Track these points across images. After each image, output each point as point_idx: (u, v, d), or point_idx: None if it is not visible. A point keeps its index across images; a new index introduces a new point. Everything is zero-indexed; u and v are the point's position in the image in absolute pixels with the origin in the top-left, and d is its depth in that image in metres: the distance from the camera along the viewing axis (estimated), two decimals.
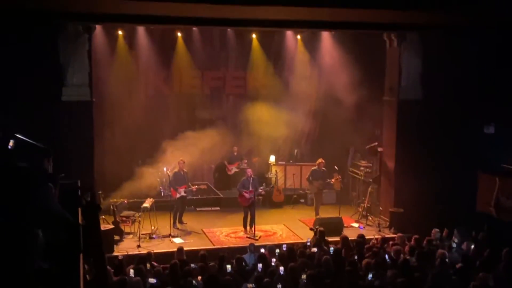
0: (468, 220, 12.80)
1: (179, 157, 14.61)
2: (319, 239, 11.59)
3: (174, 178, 14.29)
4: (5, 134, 7.12)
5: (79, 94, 13.23)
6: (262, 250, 11.13)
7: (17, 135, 8.48)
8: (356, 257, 10.41)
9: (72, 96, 13.15)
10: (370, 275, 9.20)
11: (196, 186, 14.68)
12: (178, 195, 14.21)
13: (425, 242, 11.32)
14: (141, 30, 15.81)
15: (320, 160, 15.43)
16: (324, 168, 15.40)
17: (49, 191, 6.51)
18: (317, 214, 15.25)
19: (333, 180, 15.64)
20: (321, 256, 10.09)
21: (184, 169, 14.37)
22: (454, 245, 11.23)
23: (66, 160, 11.40)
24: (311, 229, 13.10)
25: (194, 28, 16.16)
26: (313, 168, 15.53)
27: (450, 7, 10.73)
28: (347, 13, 11.36)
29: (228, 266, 9.85)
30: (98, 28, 14.26)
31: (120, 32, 15.48)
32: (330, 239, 12.61)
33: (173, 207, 14.25)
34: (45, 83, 12.63)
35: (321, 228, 12.39)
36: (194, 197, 15.81)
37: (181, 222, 14.45)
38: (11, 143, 6.43)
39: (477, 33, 13.28)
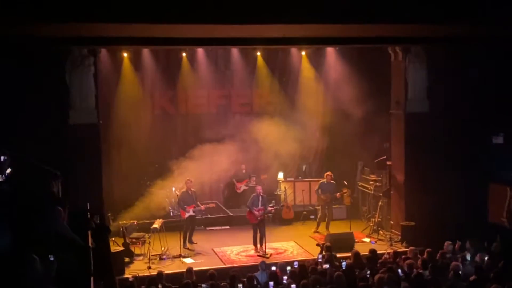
0: (481, 231, 12.67)
1: (187, 177, 14.58)
2: (330, 255, 11.49)
3: (182, 198, 14.26)
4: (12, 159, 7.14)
5: (86, 117, 13.27)
6: (273, 268, 11.03)
7: (29, 159, 8.50)
8: (368, 272, 10.30)
9: (79, 119, 13.19)
10: None
11: (205, 206, 14.62)
12: (187, 215, 14.16)
13: (438, 255, 11.19)
14: (146, 51, 15.90)
15: (327, 172, 15.63)
16: (332, 181, 15.49)
17: (58, 215, 6.51)
18: (318, 226, 15.53)
19: (338, 194, 15.56)
20: (333, 272, 9.98)
21: (192, 188, 14.33)
22: (468, 257, 11.09)
23: (75, 183, 11.44)
24: (317, 244, 13.01)
25: (198, 48, 16.23)
26: (321, 181, 15.63)
27: (453, 19, 10.71)
28: (351, 29, 11.36)
29: (240, 285, 9.76)
30: (103, 50, 14.34)
31: (125, 54, 15.56)
32: (341, 254, 12.54)
33: (182, 227, 14.18)
34: (52, 107, 12.73)
35: (328, 244, 12.32)
36: (204, 216, 15.75)
37: (191, 242, 14.37)
38: (8, 170, 6.44)
39: (482, 42, 13.24)
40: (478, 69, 13.82)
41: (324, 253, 11.80)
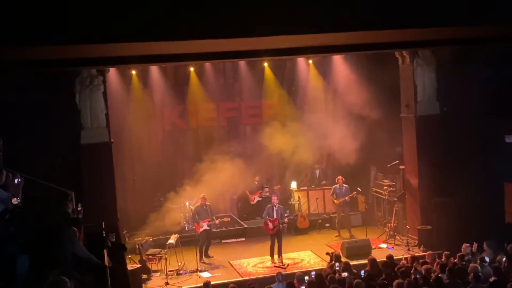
0: (498, 232, 12.55)
1: (200, 191, 14.62)
2: (347, 263, 11.43)
3: (196, 212, 14.28)
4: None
5: (98, 136, 13.40)
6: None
7: (40, 180, 8.57)
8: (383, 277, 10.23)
9: (91, 139, 13.32)
10: None
11: (219, 220, 14.60)
12: (201, 229, 14.15)
13: (457, 258, 11.10)
14: (154, 67, 15.97)
15: (338, 176, 15.85)
16: (345, 185, 15.63)
17: (73, 236, 6.55)
18: (338, 231, 15.80)
19: (348, 197, 15.61)
20: (352, 281, 9.92)
21: (207, 203, 14.33)
22: (487, 259, 10.98)
23: (89, 202, 11.49)
24: (327, 253, 12.98)
25: (206, 62, 16.29)
26: (334, 186, 15.83)
27: (460, 21, 10.65)
28: (357, 36, 11.33)
29: None
30: (112, 69, 14.45)
31: (133, 72, 15.66)
32: (359, 262, 12.51)
33: (198, 242, 14.18)
34: (64, 128, 12.83)
35: (337, 252, 12.26)
36: (219, 230, 15.74)
37: (207, 256, 14.35)
38: (15, 200, 6.51)
39: (492, 42, 13.14)
40: (487, 68, 13.73)
41: (333, 262, 11.74)
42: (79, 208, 9.20)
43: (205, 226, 14.14)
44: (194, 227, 14.50)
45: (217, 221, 14.41)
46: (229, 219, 15.43)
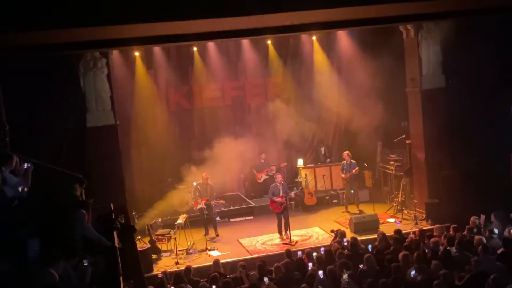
0: (506, 204, 12.55)
1: (207, 170, 14.70)
2: (355, 239, 11.47)
3: (199, 189, 14.42)
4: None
5: (103, 119, 13.42)
6: (299, 254, 11.11)
7: (48, 164, 8.60)
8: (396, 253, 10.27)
9: (97, 122, 13.35)
10: (412, 271, 9.05)
11: (215, 202, 14.75)
12: (198, 206, 14.33)
13: (465, 231, 11.12)
14: (157, 49, 15.90)
15: (345, 152, 15.86)
16: (352, 161, 15.64)
17: (82, 218, 6.61)
18: (346, 207, 15.83)
19: (354, 171, 15.60)
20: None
21: (209, 182, 14.46)
22: (495, 230, 11.00)
23: (97, 185, 11.55)
24: (332, 231, 13.03)
25: (209, 42, 16.21)
26: (342, 162, 15.90)
27: None
28: (361, 11, 11.24)
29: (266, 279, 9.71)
30: (115, 51, 14.39)
31: (137, 53, 15.57)
32: (367, 237, 12.56)
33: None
34: (69, 112, 12.83)
35: (342, 230, 12.31)
36: (227, 208, 15.83)
37: (206, 233, 14.40)
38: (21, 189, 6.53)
39: (496, 13, 13.02)
40: (492, 40, 13.60)
41: (338, 238, 11.81)
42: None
43: (202, 204, 14.24)
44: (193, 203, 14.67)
45: (213, 202, 14.50)
46: (223, 202, 15.52)
